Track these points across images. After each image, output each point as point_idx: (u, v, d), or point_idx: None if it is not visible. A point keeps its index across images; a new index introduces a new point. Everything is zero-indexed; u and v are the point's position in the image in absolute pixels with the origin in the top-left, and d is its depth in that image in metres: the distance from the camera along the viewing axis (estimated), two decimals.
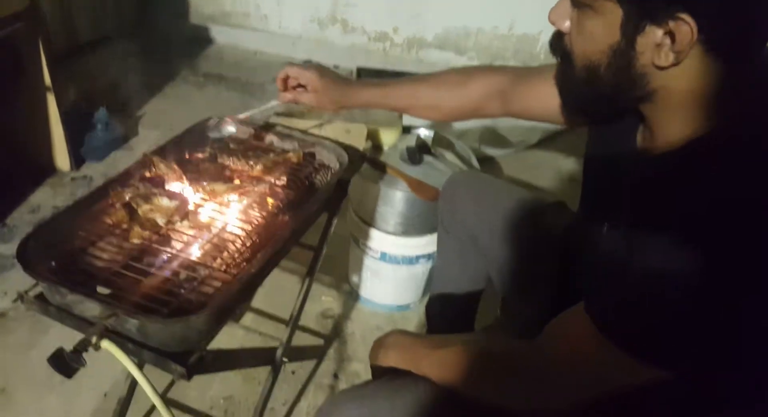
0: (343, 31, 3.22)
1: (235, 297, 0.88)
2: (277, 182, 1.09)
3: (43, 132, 2.02)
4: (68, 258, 0.90)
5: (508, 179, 2.37)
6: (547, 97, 0.92)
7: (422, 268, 1.65)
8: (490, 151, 2.48)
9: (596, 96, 0.71)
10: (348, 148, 1.24)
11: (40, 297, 0.87)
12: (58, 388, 1.36)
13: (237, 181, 1.06)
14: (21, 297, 0.87)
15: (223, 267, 0.91)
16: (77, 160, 2.15)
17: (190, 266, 0.91)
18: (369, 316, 1.71)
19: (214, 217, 1.00)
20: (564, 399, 0.69)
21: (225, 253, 0.94)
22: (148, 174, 1.04)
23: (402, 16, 3.07)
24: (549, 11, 0.73)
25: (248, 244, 0.97)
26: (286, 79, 1.18)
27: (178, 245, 0.94)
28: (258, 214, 1.02)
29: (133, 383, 1.25)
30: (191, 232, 0.96)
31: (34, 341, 1.47)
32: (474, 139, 2.40)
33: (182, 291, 0.86)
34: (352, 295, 1.77)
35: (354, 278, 1.74)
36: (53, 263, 0.89)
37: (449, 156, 1.57)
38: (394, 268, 1.62)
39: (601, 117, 0.80)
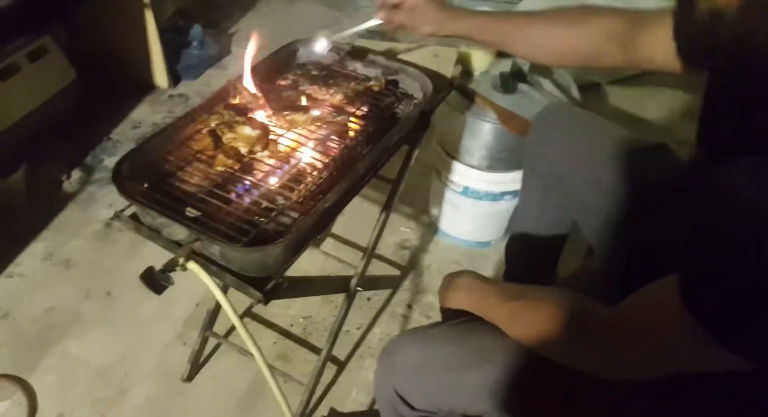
0: None
1: (309, 229, 0.89)
2: (357, 112, 1.07)
3: (143, 49, 2.09)
4: (159, 181, 0.94)
5: (612, 109, 2.20)
6: (669, 46, 0.81)
7: (506, 206, 1.58)
8: (597, 77, 2.29)
9: (718, 43, 0.62)
10: (434, 76, 1.18)
11: (134, 216, 0.93)
12: (156, 295, 1.50)
13: (317, 111, 1.05)
14: (117, 216, 0.94)
15: (300, 198, 0.92)
16: (174, 78, 2.22)
17: (269, 196, 0.93)
18: (447, 250, 1.71)
19: (293, 147, 1.00)
20: (634, 372, 0.65)
21: (302, 185, 0.95)
22: (233, 101, 1.04)
23: None
24: None
25: (325, 176, 0.97)
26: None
27: (258, 174, 0.96)
28: (336, 146, 1.01)
29: None
30: (271, 161, 0.98)
31: (136, 251, 1.61)
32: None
33: (261, 220, 0.89)
34: (431, 228, 1.76)
35: (434, 211, 1.72)
36: (145, 185, 0.94)
37: (547, 84, 1.45)
38: (475, 204, 1.57)
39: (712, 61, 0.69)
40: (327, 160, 0.99)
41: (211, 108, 1.02)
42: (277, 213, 0.90)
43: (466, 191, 1.54)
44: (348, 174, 0.95)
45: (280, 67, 1.17)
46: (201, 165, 0.96)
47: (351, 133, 1.04)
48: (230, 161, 0.95)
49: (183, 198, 0.91)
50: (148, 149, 0.95)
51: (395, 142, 1.09)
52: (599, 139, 1.06)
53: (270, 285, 0.86)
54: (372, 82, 1.13)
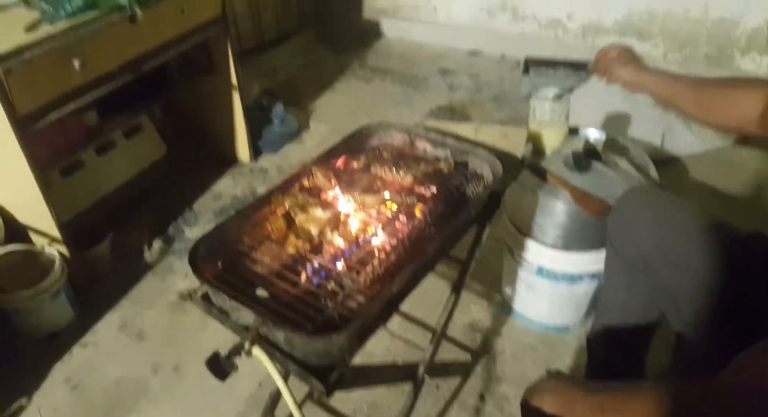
0: (513, 18, 3.08)
1: (376, 316, 0.88)
2: (427, 193, 1.07)
3: (229, 125, 2.23)
4: (233, 261, 0.96)
5: (694, 183, 2.09)
6: None
7: (585, 288, 1.49)
8: (675, 149, 2.20)
9: None
10: (503, 156, 1.17)
11: (206, 297, 0.95)
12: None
13: (387, 193, 1.06)
14: (190, 296, 0.96)
15: (368, 281, 0.91)
16: (255, 152, 2.33)
17: (337, 278, 0.92)
18: (522, 333, 1.61)
19: (363, 228, 1.00)
20: None
21: (370, 267, 0.94)
22: (306, 183, 1.07)
23: (578, 2, 2.85)
24: None
25: (393, 258, 0.96)
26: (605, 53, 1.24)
27: (327, 256, 0.96)
28: (405, 227, 1.00)
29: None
30: (341, 242, 0.98)
31: (208, 324, 1.63)
32: (656, 136, 2.14)
33: (328, 305, 0.88)
34: (504, 308, 1.68)
35: (507, 290, 1.66)
36: (219, 264, 0.96)
37: (622, 163, 1.40)
38: (551, 285, 1.49)
39: None
40: (396, 242, 0.99)
41: (287, 190, 1.05)
42: (343, 297, 0.89)
43: (540, 271, 1.48)
44: (416, 257, 0.93)
45: (353, 150, 1.20)
46: (273, 246, 0.98)
47: (420, 215, 1.03)
48: (300, 242, 0.96)
49: (253, 280, 0.93)
50: (225, 230, 0.98)
51: (464, 224, 1.08)
52: (687, 225, 1.01)
53: (334, 375, 0.84)
54: (441, 164, 1.13)
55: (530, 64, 2.74)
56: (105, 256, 1.82)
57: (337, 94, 2.88)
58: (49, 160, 1.70)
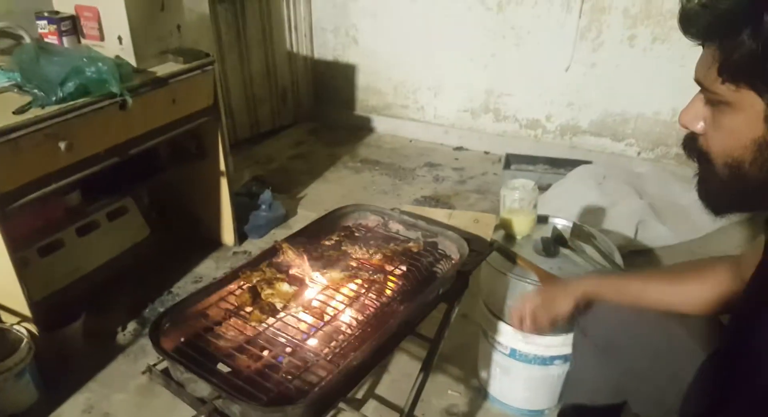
0: (495, 119, 3.26)
1: (336, 389, 0.86)
2: (396, 271, 1.09)
3: (216, 210, 2.26)
4: (196, 335, 0.96)
5: None
6: None
7: (558, 371, 1.49)
8: (648, 241, 2.25)
9: (743, 192, 0.66)
10: (473, 239, 1.20)
11: (166, 371, 0.94)
12: None
13: (355, 270, 1.08)
14: (149, 369, 0.95)
15: (330, 356, 0.91)
16: (241, 237, 2.35)
17: (300, 353, 0.92)
18: None
19: (329, 304, 1.01)
20: None
21: (334, 342, 0.94)
22: (277, 259, 1.10)
23: (556, 105, 3.04)
24: (679, 115, 0.71)
25: (358, 333, 0.96)
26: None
27: (291, 331, 0.96)
28: (373, 304, 1.01)
29: None
30: (307, 318, 0.99)
31: (175, 406, 1.58)
32: (630, 228, 2.20)
33: (287, 378, 0.87)
34: (480, 393, 1.65)
35: (483, 374, 1.63)
36: (182, 339, 0.96)
37: (589, 250, 1.45)
38: (525, 368, 1.49)
39: (755, 209, 0.70)
40: (362, 318, 0.99)
41: (255, 265, 1.07)
42: (304, 370, 0.89)
43: (513, 353, 1.47)
44: (380, 331, 0.94)
45: (326, 229, 1.23)
46: (238, 320, 0.99)
47: (388, 292, 1.05)
48: (265, 316, 0.97)
49: (215, 354, 0.92)
50: (190, 305, 0.99)
51: (432, 300, 1.09)
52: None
53: None
54: (411, 243, 1.16)
55: (511, 160, 2.89)
56: (76, 336, 1.78)
57: (327, 183, 2.96)
58: (28, 239, 1.67)
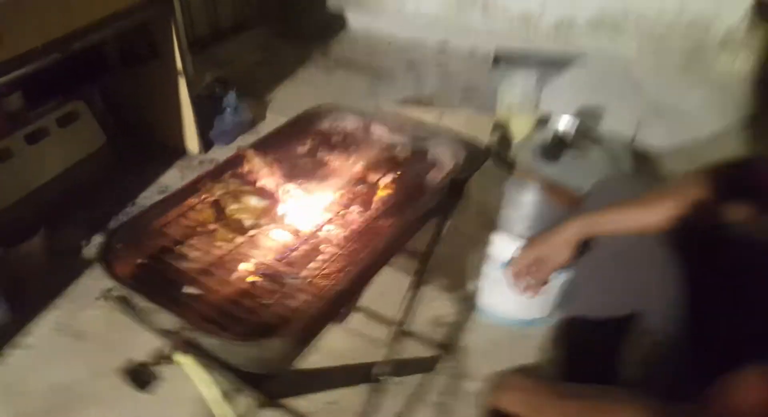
0: (483, 12, 3.00)
1: (317, 316, 0.76)
2: (381, 182, 0.96)
3: (176, 115, 2.08)
4: (153, 258, 0.84)
5: (668, 173, 2.03)
6: None
7: (553, 282, 1.42)
8: (653, 141, 2.13)
9: None
10: (468, 143, 1.06)
11: (124, 299, 0.82)
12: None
13: (334, 180, 0.94)
14: (105, 296, 0.83)
15: (309, 279, 0.80)
16: (206, 144, 2.19)
17: (276, 276, 0.80)
18: (487, 328, 1.53)
19: (305, 219, 0.88)
20: None
21: (313, 263, 0.82)
22: (242, 170, 0.95)
23: None
24: None
25: (342, 253, 0.84)
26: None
27: (264, 250, 0.84)
28: (356, 219, 0.89)
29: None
30: (281, 236, 0.86)
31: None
32: (629, 126, 2.07)
33: (262, 304, 0.76)
34: (469, 303, 1.60)
35: (473, 285, 1.57)
36: (138, 261, 0.83)
37: (595, 153, 1.32)
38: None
39: None
40: (345, 235, 0.87)
41: (218, 176, 0.93)
42: (280, 295, 0.77)
43: (507, 265, 1.39)
44: (366, 250, 0.82)
45: (298, 134, 1.08)
46: (201, 239, 0.86)
47: (372, 205, 0.92)
48: (232, 235, 0.84)
49: (177, 278, 0.80)
50: (144, 222, 0.85)
51: (423, 215, 0.97)
52: None
53: (274, 384, 0.72)
54: (398, 149, 1.02)
55: (500, 57, 2.68)
56: (37, 253, 1.66)
57: (297, 85, 2.74)
58: None
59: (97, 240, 1.78)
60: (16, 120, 1.63)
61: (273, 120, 2.42)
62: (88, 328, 1.53)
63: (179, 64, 1.93)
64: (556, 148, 1.26)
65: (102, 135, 1.97)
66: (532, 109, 1.33)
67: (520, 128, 1.32)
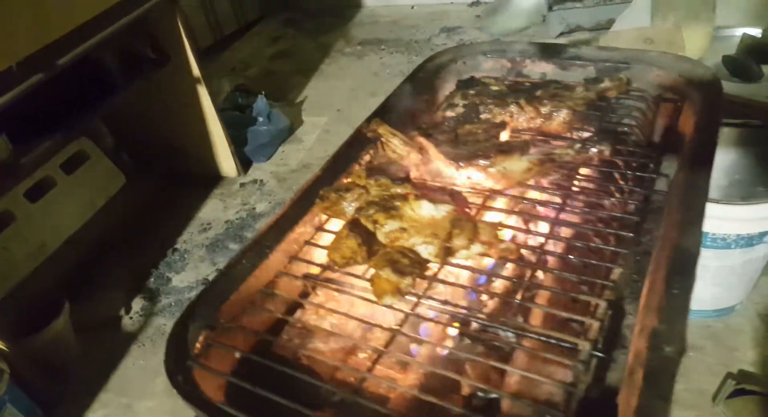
0: None
1: None
2: (603, 150, 0.55)
3: (200, 134, 1.75)
4: (261, 341, 0.44)
5: None
6: None
7: (764, 251, 1.07)
8: None
9: None
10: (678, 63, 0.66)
11: None
12: None
13: (534, 150, 0.54)
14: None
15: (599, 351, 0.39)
16: (243, 163, 1.85)
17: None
18: None
19: (522, 228, 0.48)
20: None
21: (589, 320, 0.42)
22: (371, 157, 0.55)
23: None
24: None
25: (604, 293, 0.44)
26: None
27: (480, 304, 0.44)
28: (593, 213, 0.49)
29: None
30: (488, 264, 0.46)
31: None
32: None
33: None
34: None
35: None
36: (236, 356, 0.44)
37: None
38: (718, 256, 1.07)
39: None
40: (597, 245, 0.47)
41: (337, 176, 0.53)
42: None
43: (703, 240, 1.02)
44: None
45: (425, 96, 0.68)
46: (344, 300, 0.46)
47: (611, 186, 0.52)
48: (405, 281, 0.44)
49: (317, 388, 0.40)
50: (234, 281, 0.46)
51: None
52: None
53: None
54: (606, 84, 0.62)
55: (553, 1, 2.40)
56: (64, 335, 1.34)
57: (328, 79, 2.43)
58: None
59: (139, 304, 1.45)
60: (5, 173, 1.26)
61: (314, 122, 2.11)
62: None
63: (195, 69, 1.58)
64: (749, 62, 0.94)
65: (119, 174, 1.66)
66: (709, 16, 0.93)
67: (694, 43, 0.94)
